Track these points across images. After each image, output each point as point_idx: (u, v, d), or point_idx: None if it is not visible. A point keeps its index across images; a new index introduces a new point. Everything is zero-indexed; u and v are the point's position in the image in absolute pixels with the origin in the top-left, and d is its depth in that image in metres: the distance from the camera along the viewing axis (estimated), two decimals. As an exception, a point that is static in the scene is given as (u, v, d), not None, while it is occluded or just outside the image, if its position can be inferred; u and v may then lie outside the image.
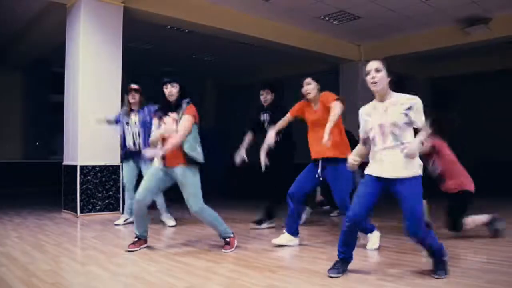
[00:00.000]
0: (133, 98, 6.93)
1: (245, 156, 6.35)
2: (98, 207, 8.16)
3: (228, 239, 5.25)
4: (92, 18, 8.34)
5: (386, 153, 3.81)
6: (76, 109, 8.27)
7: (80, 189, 8.04)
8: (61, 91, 8.99)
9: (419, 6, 9.78)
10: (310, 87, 5.41)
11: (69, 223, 7.32)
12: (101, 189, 8.18)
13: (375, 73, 3.91)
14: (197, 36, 11.29)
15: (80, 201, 8.01)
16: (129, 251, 5.09)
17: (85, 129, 8.16)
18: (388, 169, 3.80)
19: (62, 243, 5.61)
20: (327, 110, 5.12)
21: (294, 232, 5.48)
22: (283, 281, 3.86)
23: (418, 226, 3.70)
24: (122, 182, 7.35)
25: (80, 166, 8.06)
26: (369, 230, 5.19)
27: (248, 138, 6.71)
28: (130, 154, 7.02)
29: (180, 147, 5.00)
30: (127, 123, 6.99)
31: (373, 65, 3.97)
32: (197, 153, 5.18)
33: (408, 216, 3.71)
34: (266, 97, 6.98)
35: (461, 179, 5.74)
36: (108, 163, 8.31)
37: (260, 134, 6.60)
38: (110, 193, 8.29)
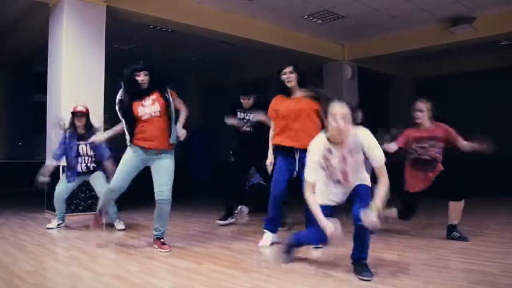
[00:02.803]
0: (80, 121, 6.73)
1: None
2: (81, 207, 8.12)
3: (163, 240, 5.28)
4: (75, 17, 8.29)
5: None
6: (58, 109, 8.21)
7: (63, 190, 7.98)
8: (44, 91, 8.93)
9: (403, 6, 9.83)
10: (292, 76, 5.50)
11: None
12: (84, 189, 8.11)
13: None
14: (181, 35, 11.27)
15: (63, 201, 7.96)
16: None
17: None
18: None
19: (44, 243, 5.58)
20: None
21: (273, 229, 5.58)
22: (268, 282, 3.86)
23: None
24: (56, 192, 6.88)
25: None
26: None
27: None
28: (78, 175, 6.81)
29: (166, 131, 5.14)
30: (78, 147, 6.73)
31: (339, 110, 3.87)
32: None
33: None
34: (248, 102, 7.14)
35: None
36: (92, 163, 8.25)
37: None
38: (93, 193, 8.18)
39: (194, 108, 18.20)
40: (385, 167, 3.83)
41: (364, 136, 3.89)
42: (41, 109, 9.43)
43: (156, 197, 5.12)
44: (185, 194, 12.60)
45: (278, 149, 5.53)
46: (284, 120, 5.41)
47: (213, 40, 11.60)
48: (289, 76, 5.51)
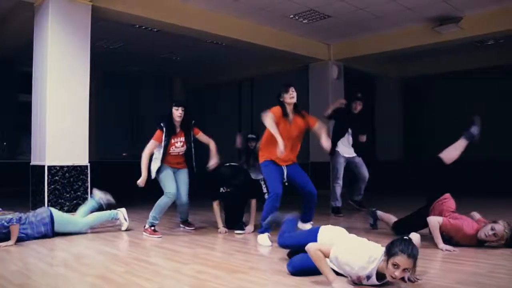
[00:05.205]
0: None
1: None
2: (66, 208, 8.07)
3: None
4: (60, 17, 8.23)
5: None
6: (44, 109, 8.16)
7: (48, 190, 7.94)
8: (29, 91, 8.86)
9: (389, 5, 9.86)
10: (295, 94, 5.99)
11: (37, 224, 7.23)
12: (69, 190, 8.09)
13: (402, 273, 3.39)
14: (166, 35, 11.23)
15: (48, 201, 7.91)
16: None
17: (53, 129, 8.05)
18: None
19: (29, 243, 5.54)
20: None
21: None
22: (253, 283, 3.86)
23: None
24: None
25: (48, 166, 7.96)
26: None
27: None
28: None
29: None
30: None
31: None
32: None
33: None
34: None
35: None
36: (76, 163, 8.22)
37: None
38: (78, 193, 8.20)
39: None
40: None
41: None
42: (26, 109, 9.38)
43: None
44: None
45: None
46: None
47: (198, 39, 11.57)
48: (293, 94, 6.01)
